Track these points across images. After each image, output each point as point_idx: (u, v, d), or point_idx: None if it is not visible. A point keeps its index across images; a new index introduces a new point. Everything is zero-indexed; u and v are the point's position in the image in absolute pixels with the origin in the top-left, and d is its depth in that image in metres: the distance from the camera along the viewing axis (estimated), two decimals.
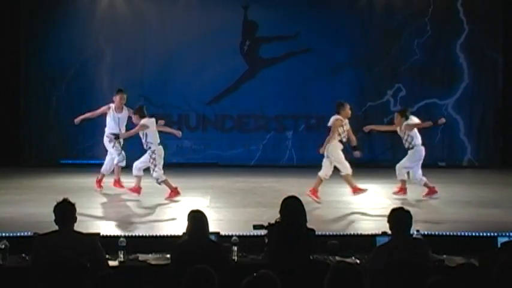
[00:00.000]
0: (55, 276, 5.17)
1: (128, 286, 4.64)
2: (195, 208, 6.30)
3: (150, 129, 10.97)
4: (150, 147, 11.00)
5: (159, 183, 10.99)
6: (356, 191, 10.86)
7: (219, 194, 11.63)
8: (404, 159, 11.44)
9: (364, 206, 10.56)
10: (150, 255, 7.12)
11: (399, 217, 5.87)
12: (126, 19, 15.66)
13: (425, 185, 11.34)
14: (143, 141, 11.07)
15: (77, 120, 12.03)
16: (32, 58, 15.63)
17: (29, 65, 15.67)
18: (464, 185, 12.86)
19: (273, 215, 6.48)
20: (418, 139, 11.45)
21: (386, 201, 10.86)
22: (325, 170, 10.88)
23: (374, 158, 15.88)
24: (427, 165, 15.27)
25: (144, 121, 10.97)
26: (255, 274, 4.36)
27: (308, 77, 15.87)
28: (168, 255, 6.45)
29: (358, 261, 6.89)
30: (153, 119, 11.19)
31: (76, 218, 5.89)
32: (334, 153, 10.87)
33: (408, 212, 5.90)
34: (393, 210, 5.98)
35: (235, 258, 6.93)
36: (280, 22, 15.81)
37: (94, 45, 15.63)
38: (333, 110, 15.72)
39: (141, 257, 7.05)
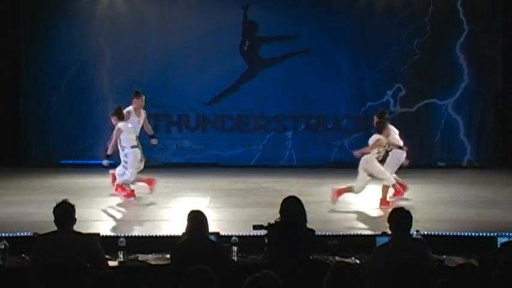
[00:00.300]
0: (55, 276, 5.17)
1: (128, 286, 4.63)
2: (194, 208, 6.30)
3: (124, 132, 10.93)
4: (123, 150, 10.97)
5: (131, 183, 10.99)
6: (383, 204, 10.49)
7: (219, 194, 11.63)
8: (384, 166, 11.27)
9: (364, 206, 10.56)
10: (149, 255, 7.12)
11: (399, 217, 5.87)
12: (126, 19, 15.67)
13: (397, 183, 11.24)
14: (118, 143, 11.00)
15: (107, 162, 11.25)
16: (32, 58, 15.63)
17: (29, 65, 15.68)
18: (464, 185, 12.86)
19: (272, 215, 6.48)
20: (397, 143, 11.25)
21: None
22: (360, 184, 10.57)
23: None
24: (427, 166, 15.37)
25: (120, 125, 10.93)
26: (257, 274, 4.36)
27: (308, 77, 15.88)
28: (168, 256, 6.45)
29: (358, 262, 6.89)
30: (130, 125, 11.12)
31: (75, 219, 5.89)
32: (373, 166, 10.57)
33: (408, 212, 5.89)
34: (393, 210, 5.99)
35: (235, 258, 6.92)
36: (280, 22, 15.82)
37: (94, 45, 15.63)
38: (332, 109, 15.94)
39: (141, 257, 7.04)
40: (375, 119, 11.49)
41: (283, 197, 6.34)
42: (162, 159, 15.23)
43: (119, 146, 11.03)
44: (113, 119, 11.04)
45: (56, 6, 15.61)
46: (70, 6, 15.59)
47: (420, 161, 15.79)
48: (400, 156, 11.29)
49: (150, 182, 11.09)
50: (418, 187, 12.18)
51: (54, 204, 5.88)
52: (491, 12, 15.82)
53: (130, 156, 10.92)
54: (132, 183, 11.00)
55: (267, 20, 15.85)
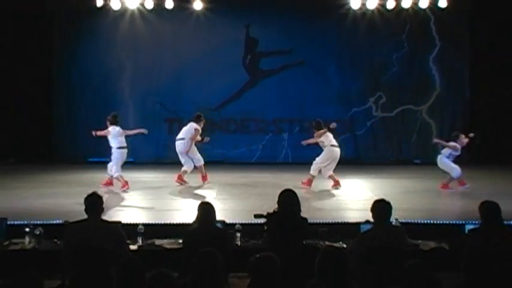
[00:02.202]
0: (83, 258, 5.17)
1: (146, 267, 4.64)
2: (204, 200, 6.29)
3: (112, 135, 11.12)
4: (112, 148, 11.19)
5: (113, 177, 11.19)
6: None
7: (225, 187, 11.62)
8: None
9: (350, 197, 10.56)
10: (164, 240, 7.10)
11: (381, 207, 5.84)
12: (144, 37, 15.65)
13: (330, 177, 11.40)
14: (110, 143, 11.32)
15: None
16: (64, 70, 15.67)
17: (61, 76, 15.72)
18: (436, 179, 12.78)
19: (271, 205, 6.46)
20: (329, 141, 11.47)
21: (369, 193, 10.84)
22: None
23: (358, 156, 15.86)
24: (405, 163, 15.37)
25: (109, 128, 11.15)
26: (257, 255, 4.35)
27: (301, 86, 15.86)
28: (181, 241, 6.44)
29: (344, 246, 6.87)
30: (118, 128, 11.21)
31: (103, 208, 5.87)
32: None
33: (389, 203, 5.87)
34: (376, 202, 5.95)
35: (239, 243, 6.91)
36: (278, 39, 15.81)
37: (116, 59, 15.64)
38: (323, 114, 15.87)
39: (157, 242, 7.03)
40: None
41: (281, 190, 6.33)
42: (174, 157, 15.20)
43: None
44: (108, 122, 11.30)
45: (84, 26, 15.59)
46: (96, 26, 15.59)
47: (399, 159, 15.82)
48: (332, 154, 11.48)
49: (125, 185, 11.09)
50: (397, 181, 12.18)
51: (83, 196, 5.86)
52: (460, 30, 15.79)
53: (114, 155, 11.15)
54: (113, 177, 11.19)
55: (266, 37, 15.84)
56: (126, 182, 11.05)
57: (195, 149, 12.01)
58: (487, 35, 15.45)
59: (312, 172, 11.41)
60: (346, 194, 10.91)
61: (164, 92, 15.80)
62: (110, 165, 11.27)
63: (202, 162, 11.97)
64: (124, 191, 10.82)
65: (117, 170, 11.12)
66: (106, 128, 11.30)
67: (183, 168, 11.75)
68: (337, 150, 11.47)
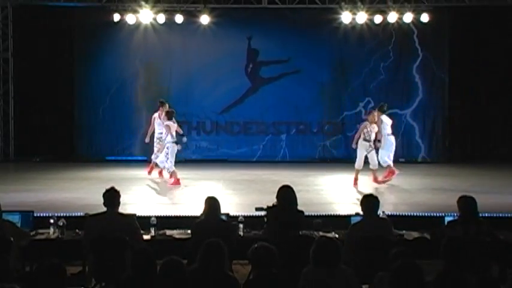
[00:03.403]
0: (102, 247, 5.17)
1: (158, 255, 4.63)
2: (210, 194, 6.29)
3: (171, 129, 11.10)
4: (166, 142, 11.19)
5: (168, 171, 11.18)
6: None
7: (229, 183, 11.62)
8: (380, 151, 11.25)
9: (342, 192, 10.55)
10: (175, 231, 7.07)
11: (369, 201, 5.85)
12: (156, 48, 15.65)
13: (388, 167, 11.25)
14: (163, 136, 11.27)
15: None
16: (84, 78, 15.69)
17: (82, 83, 15.73)
18: (419, 176, 12.84)
19: (270, 200, 6.46)
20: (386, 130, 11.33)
21: (358, 189, 10.83)
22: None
23: (349, 155, 15.82)
24: None
25: (168, 123, 11.08)
26: (255, 245, 4.36)
27: (298, 92, 15.86)
28: (189, 231, 6.43)
29: (337, 236, 6.86)
30: (176, 124, 11.19)
31: (120, 202, 5.86)
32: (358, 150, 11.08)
33: (376, 197, 5.88)
34: (365, 196, 5.96)
35: (241, 233, 6.88)
36: (276, 49, 15.81)
37: (131, 68, 15.66)
38: (317, 117, 15.92)
39: (168, 232, 7.01)
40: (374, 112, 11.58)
41: (279, 186, 6.33)
42: (184, 156, 15.22)
43: (164, 137, 11.17)
44: (165, 118, 11.25)
45: (103, 38, 15.60)
46: (113, 38, 15.58)
47: None
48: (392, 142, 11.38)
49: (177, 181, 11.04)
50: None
51: (101, 191, 5.84)
52: (440, 42, 15.78)
53: (170, 148, 10.97)
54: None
55: (266, 48, 15.84)
56: (179, 180, 10.99)
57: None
58: (464, 46, 15.54)
59: (389, 164, 11.20)
60: (338, 189, 10.90)
61: (174, 97, 15.74)
62: (161, 158, 11.15)
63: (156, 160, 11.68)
64: (174, 186, 10.80)
65: (171, 166, 11.02)
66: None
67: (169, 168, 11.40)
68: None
